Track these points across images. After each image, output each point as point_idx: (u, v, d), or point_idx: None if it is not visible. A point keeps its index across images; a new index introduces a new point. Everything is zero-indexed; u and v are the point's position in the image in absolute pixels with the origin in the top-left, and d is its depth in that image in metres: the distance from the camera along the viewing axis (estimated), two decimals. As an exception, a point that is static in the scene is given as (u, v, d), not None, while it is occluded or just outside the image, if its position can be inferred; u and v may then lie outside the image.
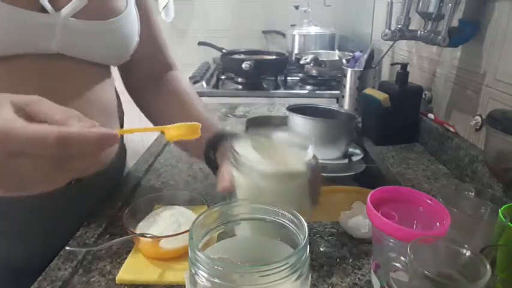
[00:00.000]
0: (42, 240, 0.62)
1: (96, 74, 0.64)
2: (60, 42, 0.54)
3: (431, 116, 0.99)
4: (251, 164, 0.47)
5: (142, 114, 0.75)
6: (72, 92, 0.58)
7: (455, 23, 0.83)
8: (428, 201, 0.48)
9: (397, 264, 0.40)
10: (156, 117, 0.73)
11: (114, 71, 0.71)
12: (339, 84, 1.31)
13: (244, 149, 0.50)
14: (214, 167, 0.61)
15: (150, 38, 0.72)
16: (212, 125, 0.64)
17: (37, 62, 0.54)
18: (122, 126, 0.75)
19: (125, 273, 0.53)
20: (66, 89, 0.58)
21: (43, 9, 0.51)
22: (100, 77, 0.65)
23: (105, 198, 0.72)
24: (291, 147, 0.53)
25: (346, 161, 1.02)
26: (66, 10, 0.53)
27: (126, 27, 0.62)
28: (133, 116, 0.79)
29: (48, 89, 0.54)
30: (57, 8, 0.53)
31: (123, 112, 0.78)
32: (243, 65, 1.47)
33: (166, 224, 0.58)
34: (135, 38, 0.65)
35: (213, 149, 0.61)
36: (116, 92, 0.73)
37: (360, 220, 0.61)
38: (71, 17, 0.54)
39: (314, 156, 0.50)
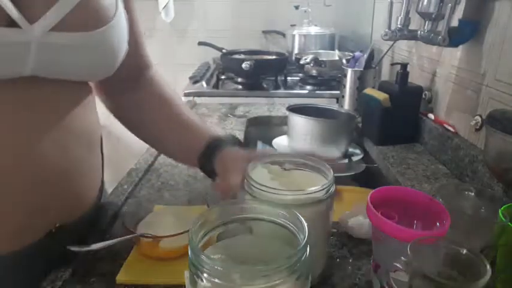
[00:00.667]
0: None
1: (79, 95, 0.55)
2: (36, 63, 0.44)
3: (431, 116, 0.99)
4: (268, 192, 0.45)
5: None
6: (51, 121, 0.49)
7: (455, 23, 0.83)
8: (428, 201, 0.48)
9: (397, 264, 0.40)
10: (144, 131, 0.68)
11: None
12: (339, 84, 1.31)
13: (260, 175, 0.49)
14: (212, 174, 0.59)
15: (132, 36, 0.61)
16: (205, 132, 0.62)
17: (7, 88, 0.44)
18: (101, 149, 0.64)
19: (124, 273, 0.53)
20: (44, 118, 0.48)
21: (13, 23, 0.41)
22: (82, 98, 0.55)
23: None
24: (308, 172, 0.52)
25: (346, 161, 1.02)
26: (43, 22, 0.43)
27: (116, 36, 0.52)
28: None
29: (22, 121, 0.46)
30: (31, 19, 0.42)
31: (101, 126, 0.65)
32: (243, 65, 1.47)
33: (166, 224, 0.58)
34: (125, 46, 0.56)
35: (208, 158, 0.59)
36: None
37: (360, 220, 0.61)
38: (49, 30, 0.43)
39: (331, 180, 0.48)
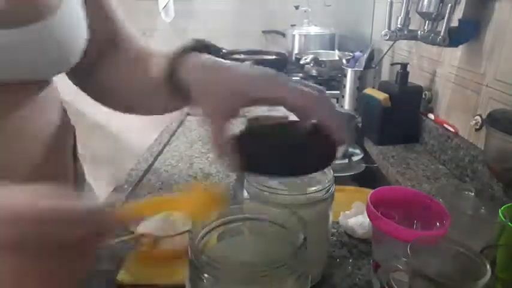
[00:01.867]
0: None
1: (34, 97, 0.46)
2: None
3: (431, 116, 0.99)
4: (268, 192, 0.45)
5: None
6: (6, 131, 0.42)
7: (455, 23, 0.83)
8: (428, 201, 0.48)
9: (397, 264, 0.40)
10: (104, 89, 0.56)
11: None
12: (339, 84, 1.31)
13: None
14: (185, 97, 0.43)
15: (102, 14, 0.54)
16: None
17: None
18: (74, 146, 0.57)
19: (124, 273, 0.53)
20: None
21: None
22: (39, 98, 0.47)
23: None
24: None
25: (346, 161, 1.02)
26: None
27: (67, 25, 0.44)
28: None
29: None
30: None
31: (73, 127, 0.58)
32: (243, 65, 1.46)
33: (167, 224, 0.58)
34: (83, 36, 0.48)
35: (174, 71, 0.44)
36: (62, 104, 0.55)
37: (360, 220, 0.61)
38: None
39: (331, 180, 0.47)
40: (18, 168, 0.45)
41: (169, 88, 0.45)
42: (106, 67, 0.56)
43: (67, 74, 0.55)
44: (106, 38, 0.56)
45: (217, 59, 0.44)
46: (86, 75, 0.56)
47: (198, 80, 0.42)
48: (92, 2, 0.51)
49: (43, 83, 0.48)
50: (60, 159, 0.53)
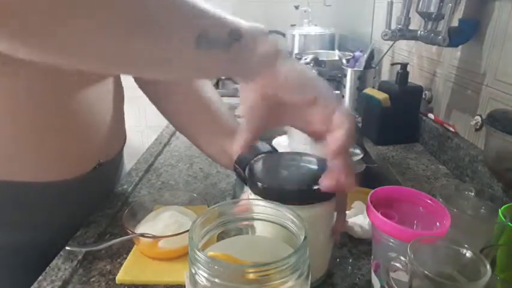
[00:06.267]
0: (62, 229, 0.62)
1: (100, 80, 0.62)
2: None
3: (431, 116, 0.99)
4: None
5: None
6: (76, 86, 0.57)
7: (455, 23, 0.83)
8: (428, 201, 0.48)
9: (397, 264, 0.40)
10: (178, 121, 0.68)
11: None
12: (339, 84, 1.31)
13: None
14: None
15: None
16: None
17: None
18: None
19: (124, 273, 0.53)
20: (71, 83, 0.57)
21: None
22: (106, 80, 0.64)
23: (108, 192, 0.75)
24: None
25: (346, 161, 1.01)
26: None
27: None
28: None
29: (52, 86, 0.54)
30: None
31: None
32: (243, 65, 1.46)
33: (166, 224, 0.58)
34: None
35: (243, 167, 0.53)
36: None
37: (360, 220, 0.61)
38: None
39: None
40: (86, 117, 0.60)
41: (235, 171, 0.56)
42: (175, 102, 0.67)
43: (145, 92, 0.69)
44: None
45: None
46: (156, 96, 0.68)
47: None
48: None
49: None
50: (119, 108, 0.70)
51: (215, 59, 0.37)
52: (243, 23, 0.38)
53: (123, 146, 0.78)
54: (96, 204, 0.70)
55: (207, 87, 0.67)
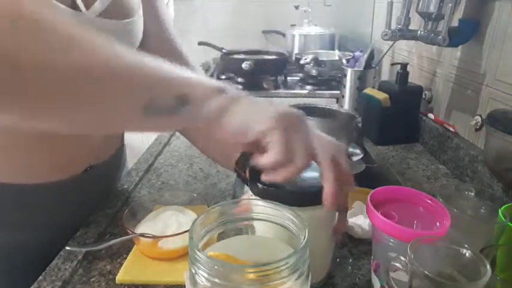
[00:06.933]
0: (62, 229, 0.62)
1: None
2: None
3: (431, 116, 0.99)
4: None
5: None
6: None
7: (455, 23, 0.83)
8: (428, 201, 0.48)
9: (397, 264, 0.40)
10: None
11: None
12: (339, 84, 1.31)
13: None
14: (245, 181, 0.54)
15: (159, 25, 0.67)
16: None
17: None
18: None
19: (124, 273, 0.53)
20: None
21: (74, 7, 0.49)
22: None
23: (108, 192, 0.75)
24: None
25: (346, 161, 1.01)
26: (94, 9, 0.51)
27: (139, 27, 0.61)
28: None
29: None
30: (87, 5, 0.51)
31: None
32: (243, 65, 1.47)
33: (166, 224, 0.58)
34: (140, 37, 0.64)
35: (243, 167, 0.54)
36: None
37: (360, 220, 0.61)
38: (97, 16, 0.52)
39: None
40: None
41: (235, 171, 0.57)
42: None
43: None
44: (165, 52, 0.66)
45: None
46: None
47: None
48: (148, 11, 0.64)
49: None
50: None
51: (163, 123, 0.40)
52: (194, 81, 0.40)
53: (120, 148, 0.78)
54: (96, 204, 0.70)
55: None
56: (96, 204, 0.70)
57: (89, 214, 0.67)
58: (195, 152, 0.96)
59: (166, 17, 0.69)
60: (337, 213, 0.49)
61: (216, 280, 0.31)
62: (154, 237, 0.55)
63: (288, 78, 1.67)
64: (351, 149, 1.07)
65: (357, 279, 0.53)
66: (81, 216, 0.66)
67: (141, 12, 0.62)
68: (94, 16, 0.52)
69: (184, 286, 0.36)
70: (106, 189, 0.75)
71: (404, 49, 1.20)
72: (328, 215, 0.47)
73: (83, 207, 0.67)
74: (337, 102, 1.41)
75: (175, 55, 0.69)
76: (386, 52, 1.21)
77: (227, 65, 1.65)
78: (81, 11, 0.50)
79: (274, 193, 0.43)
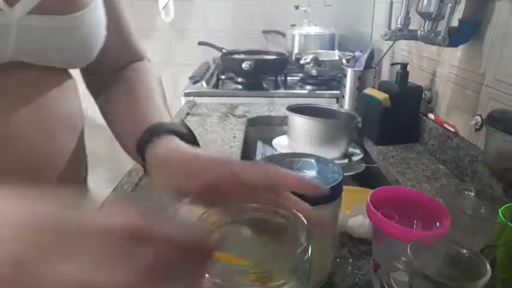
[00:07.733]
0: None
1: (59, 81, 0.53)
2: (16, 46, 0.43)
3: (431, 116, 0.99)
4: None
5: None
6: (30, 108, 0.47)
7: (455, 23, 0.83)
8: (429, 201, 0.48)
9: (397, 264, 0.40)
10: (104, 113, 0.61)
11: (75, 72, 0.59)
12: (339, 84, 1.31)
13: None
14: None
15: (117, 26, 0.59)
16: (155, 119, 0.50)
17: None
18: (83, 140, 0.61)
19: (125, 273, 0.53)
20: (22, 106, 0.47)
21: None
22: (63, 84, 0.54)
23: None
24: None
25: (346, 161, 1.02)
26: (21, 5, 0.42)
27: (93, 21, 0.51)
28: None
29: (1, 105, 0.45)
30: (11, 2, 0.41)
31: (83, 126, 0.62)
32: (243, 65, 1.47)
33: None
34: (103, 33, 0.54)
35: (143, 150, 0.47)
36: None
37: (360, 220, 0.61)
38: (28, 13, 0.43)
39: None
40: (44, 145, 0.50)
41: (140, 151, 0.48)
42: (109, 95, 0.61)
43: (87, 82, 0.63)
44: (123, 53, 0.63)
45: (181, 146, 0.46)
46: (98, 89, 0.62)
47: (156, 166, 0.46)
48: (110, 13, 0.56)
49: (65, 74, 0.55)
50: (80, 141, 0.58)
51: None
52: None
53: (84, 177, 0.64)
54: None
55: (147, 76, 0.62)
56: None
57: None
58: (195, 152, 0.96)
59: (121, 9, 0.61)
60: (339, 214, 0.49)
61: (216, 280, 0.31)
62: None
63: (288, 78, 1.67)
64: (351, 149, 1.07)
65: (357, 279, 0.53)
66: None
67: (97, 3, 0.52)
68: (25, 14, 0.43)
69: (185, 286, 0.36)
70: None
71: (404, 49, 1.20)
72: (329, 215, 0.47)
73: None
74: (337, 102, 1.41)
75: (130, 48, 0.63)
76: (386, 52, 1.21)
77: (227, 65, 1.65)
78: (1, 10, 0.41)
79: None
